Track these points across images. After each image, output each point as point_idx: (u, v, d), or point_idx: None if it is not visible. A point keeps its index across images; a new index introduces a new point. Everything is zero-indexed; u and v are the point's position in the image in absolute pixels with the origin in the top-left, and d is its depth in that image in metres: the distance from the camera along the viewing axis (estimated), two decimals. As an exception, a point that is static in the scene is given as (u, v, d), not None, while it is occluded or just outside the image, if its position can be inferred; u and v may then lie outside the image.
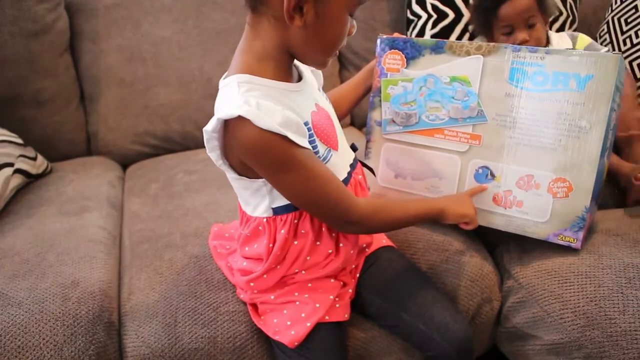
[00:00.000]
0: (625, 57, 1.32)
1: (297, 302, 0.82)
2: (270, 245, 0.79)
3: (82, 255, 0.93)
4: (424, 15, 1.45)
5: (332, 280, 0.84)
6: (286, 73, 0.75)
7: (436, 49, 0.93)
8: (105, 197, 1.19)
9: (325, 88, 1.56)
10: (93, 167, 1.36)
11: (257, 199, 0.78)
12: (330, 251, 0.81)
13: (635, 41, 1.31)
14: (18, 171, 1.20)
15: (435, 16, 1.44)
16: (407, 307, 0.85)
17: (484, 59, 0.90)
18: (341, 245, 0.82)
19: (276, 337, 0.81)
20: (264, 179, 0.74)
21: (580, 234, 0.89)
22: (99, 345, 0.82)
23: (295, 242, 0.79)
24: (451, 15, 1.42)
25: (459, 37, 1.43)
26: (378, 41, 0.98)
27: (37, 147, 1.32)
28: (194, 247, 0.97)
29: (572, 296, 0.86)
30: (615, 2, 1.39)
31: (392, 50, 0.97)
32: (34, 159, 1.28)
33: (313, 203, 0.75)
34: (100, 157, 1.45)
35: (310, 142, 0.74)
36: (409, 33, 1.49)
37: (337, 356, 0.82)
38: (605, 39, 1.39)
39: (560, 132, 0.86)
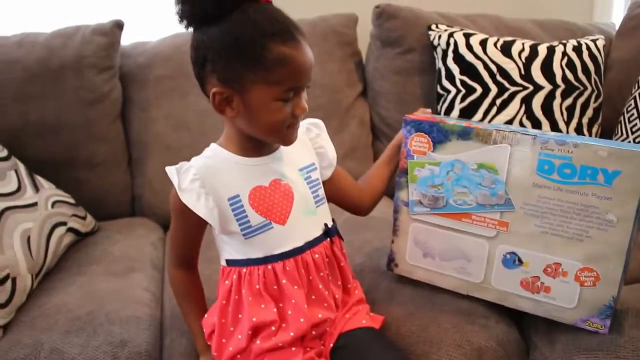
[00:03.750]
0: (653, 133, 1.33)
1: None
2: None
3: (129, 315, 0.98)
4: (453, 90, 1.51)
5: (293, 349, 0.82)
6: (251, 150, 0.84)
7: (463, 135, 0.93)
8: (148, 259, 1.24)
9: (359, 159, 1.63)
10: (136, 228, 1.42)
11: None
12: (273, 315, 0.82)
13: (663, 116, 1.33)
14: (70, 230, 1.28)
15: (464, 91, 1.49)
16: None
17: (511, 149, 0.89)
18: (290, 312, 0.82)
19: None
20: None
21: (608, 321, 0.89)
22: (143, 405, 0.85)
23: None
24: (479, 90, 1.48)
25: (487, 110, 1.48)
26: (403, 123, 0.98)
27: (86, 207, 1.39)
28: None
29: (601, 374, 0.86)
30: (641, 79, 1.42)
31: (418, 132, 0.97)
32: (84, 218, 1.36)
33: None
34: (143, 219, 1.51)
35: (235, 210, 0.82)
36: (439, 107, 1.55)
37: None
38: (633, 114, 1.42)
39: (588, 224, 0.86)
